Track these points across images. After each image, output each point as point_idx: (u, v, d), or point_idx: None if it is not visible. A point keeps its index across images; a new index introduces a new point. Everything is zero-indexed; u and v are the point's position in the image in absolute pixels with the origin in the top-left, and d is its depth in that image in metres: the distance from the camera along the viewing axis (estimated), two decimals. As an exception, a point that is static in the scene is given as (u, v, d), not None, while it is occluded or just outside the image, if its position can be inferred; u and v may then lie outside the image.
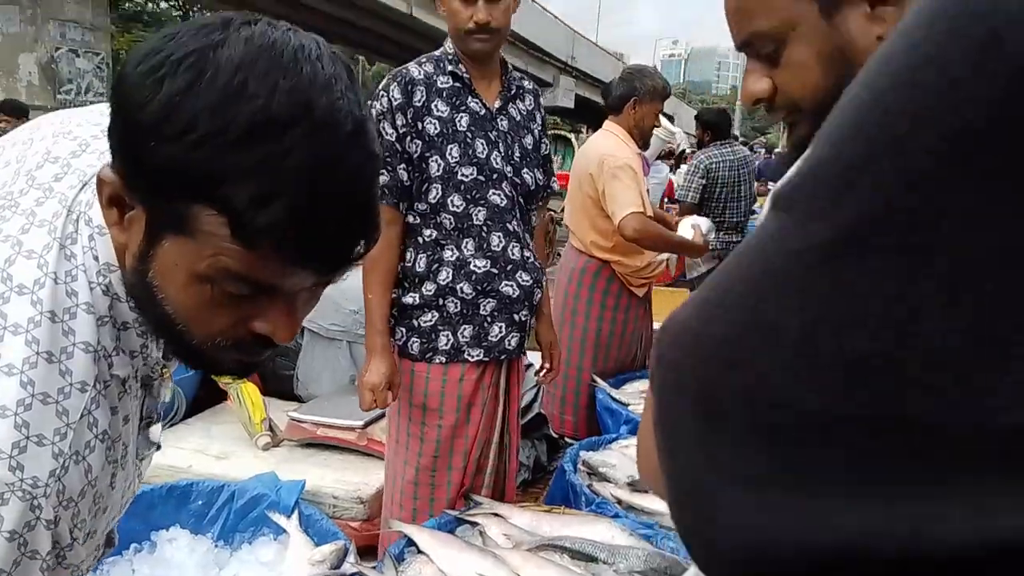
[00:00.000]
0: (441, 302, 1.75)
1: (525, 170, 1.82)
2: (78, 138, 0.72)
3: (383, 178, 1.67)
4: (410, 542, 1.76)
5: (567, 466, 2.18)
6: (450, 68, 1.74)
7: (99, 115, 0.75)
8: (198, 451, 2.36)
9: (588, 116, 28.09)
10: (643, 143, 2.96)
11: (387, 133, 1.67)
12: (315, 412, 2.48)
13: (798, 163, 0.29)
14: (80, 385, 0.61)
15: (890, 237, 0.25)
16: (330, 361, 2.83)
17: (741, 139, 12.16)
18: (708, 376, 0.29)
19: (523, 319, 1.83)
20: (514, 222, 1.78)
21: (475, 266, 1.74)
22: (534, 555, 1.65)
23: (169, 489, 2.07)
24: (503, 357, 1.83)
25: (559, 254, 8.54)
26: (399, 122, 1.68)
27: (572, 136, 14.80)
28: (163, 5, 26.36)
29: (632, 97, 2.83)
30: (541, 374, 2.05)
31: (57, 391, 0.59)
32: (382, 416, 2.45)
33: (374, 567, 1.71)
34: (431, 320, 1.76)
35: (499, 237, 1.75)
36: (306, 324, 2.85)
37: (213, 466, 2.30)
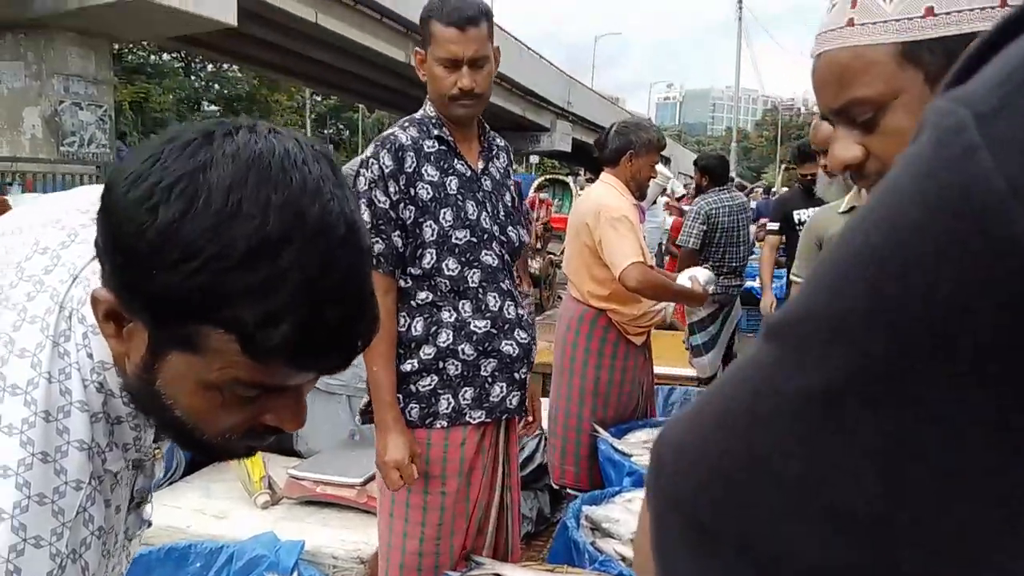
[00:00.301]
0: (441, 365, 1.71)
1: (510, 228, 1.83)
2: (66, 227, 0.71)
3: (378, 247, 1.67)
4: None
5: (570, 522, 2.15)
6: (435, 132, 1.74)
7: (87, 202, 0.74)
8: (197, 510, 2.33)
9: (585, 159, 28.39)
10: (640, 194, 3.00)
11: (380, 201, 1.66)
12: (314, 469, 2.46)
13: (796, 295, 0.30)
14: (75, 483, 0.61)
15: (879, 396, 0.25)
16: (330, 416, 2.81)
17: (737, 180, 12.31)
18: (702, 509, 0.29)
19: (523, 377, 1.82)
20: (507, 281, 1.79)
21: (475, 326, 1.72)
22: (538, 618, 1.62)
23: (168, 551, 2.04)
24: (504, 417, 1.81)
25: (559, 297, 8.60)
26: (391, 189, 1.66)
27: (569, 179, 14.91)
28: (165, 57, 26.82)
29: (628, 150, 2.88)
30: (521, 425, 2.00)
31: (52, 491, 0.59)
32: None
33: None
34: (430, 384, 1.72)
35: (494, 297, 1.75)
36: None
37: (212, 526, 2.27)
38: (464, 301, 1.73)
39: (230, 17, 11.17)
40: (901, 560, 0.24)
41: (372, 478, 2.38)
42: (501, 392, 1.77)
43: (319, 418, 2.83)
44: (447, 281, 1.71)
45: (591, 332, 2.97)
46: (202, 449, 0.67)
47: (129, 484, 0.73)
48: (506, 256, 1.81)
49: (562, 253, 3.46)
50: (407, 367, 1.71)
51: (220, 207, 0.53)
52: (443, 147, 1.74)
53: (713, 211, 4.16)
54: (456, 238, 1.70)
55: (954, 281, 0.24)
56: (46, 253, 0.68)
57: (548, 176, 15.25)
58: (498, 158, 1.87)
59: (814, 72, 0.81)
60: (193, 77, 28.87)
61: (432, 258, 1.69)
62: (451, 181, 1.72)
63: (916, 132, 0.28)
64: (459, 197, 1.72)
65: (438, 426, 1.72)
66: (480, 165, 1.79)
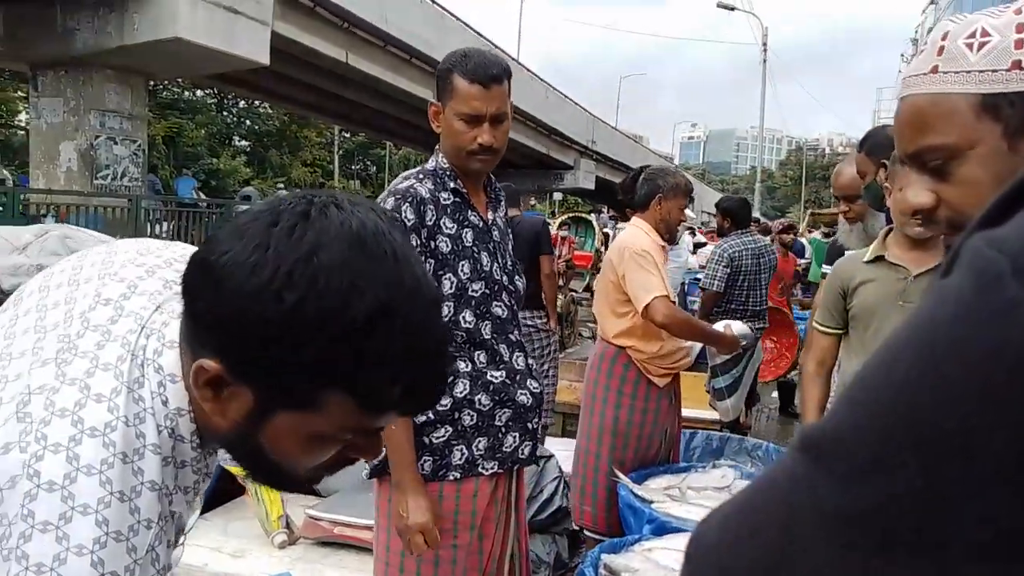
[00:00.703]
0: (456, 415, 1.68)
1: (516, 277, 1.84)
2: (125, 279, 0.75)
3: None
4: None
5: (587, 571, 2.12)
6: (451, 185, 1.74)
7: (137, 253, 0.80)
8: (214, 549, 2.34)
9: (608, 197, 28.47)
10: (669, 237, 3.03)
11: None
12: (332, 509, 2.46)
13: (832, 410, 0.31)
14: (147, 522, 0.64)
15: (907, 531, 0.26)
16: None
17: (762, 222, 12.24)
18: None
19: (535, 427, 1.81)
20: (515, 332, 1.80)
21: (492, 376, 1.72)
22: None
23: (184, 591, 2.04)
24: (516, 467, 1.79)
25: (580, 334, 8.56)
26: (414, 243, 1.64)
27: (592, 217, 14.96)
28: (199, 93, 27.47)
29: (657, 194, 2.93)
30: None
31: (128, 528, 0.62)
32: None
33: None
34: (444, 436, 1.67)
35: (505, 348, 1.75)
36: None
37: (229, 565, 2.27)
38: (479, 352, 1.72)
39: (263, 57, 11.45)
40: None
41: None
42: (514, 442, 1.75)
43: (338, 457, 2.84)
44: (463, 333, 1.70)
45: (611, 370, 2.96)
46: (288, 486, 0.76)
47: (176, 523, 0.76)
48: (514, 306, 1.81)
49: (584, 291, 3.49)
50: (420, 418, 1.66)
51: (336, 287, 0.60)
52: (458, 199, 1.74)
53: (736, 254, 4.16)
54: (472, 290, 1.70)
55: (990, 440, 0.25)
56: (108, 304, 0.72)
57: (571, 215, 15.29)
58: (501, 206, 1.88)
59: (896, 115, 0.82)
60: (225, 113, 29.50)
61: (449, 311, 1.68)
62: (467, 233, 1.72)
63: (947, 264, 0.30)
64: (475, 249, 1.72)
65: (451, 478, 1.68)
66: (489, 216, 1.80)
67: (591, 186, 26.36)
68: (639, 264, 2.76)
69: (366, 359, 0.61)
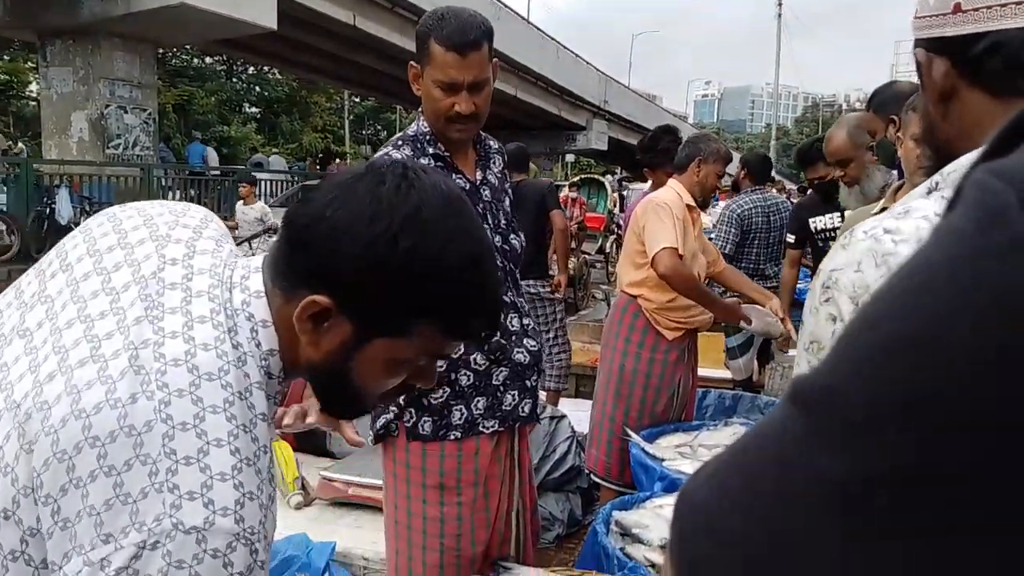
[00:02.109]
0: (453, 376, 1.68)
1: (512, 236, 1.81)
2: (181, 240, 0.83)
3: None
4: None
5: (599, 527, 2.14)
6: (431, 150, 1.69)
7: (171, 215, 0.87)
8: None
9: (621, 158, 28.22)
10: (703, 201, 3.04)
11: None
12: (346, 471, 2.49)
13: (825, 359, 0.29)
14: (263, 448, 0.73)
15: (907, 498, 0.25)
16: (363, 419, 2.84)
17: (779, 181, 12.04)
18: None
19: (533, 384, 1.81)
20: (509, 292, 1.76)
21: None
22: (564, 625, 1.61)
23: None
24: (516, 424, 1.79)
25: (594, 296, 8.54)
26: None
27: (605, 179, 14.83)
28: (207, 60, 27.32)
29: (697, 157, 2.95)
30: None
31: (253, 455, 0.71)
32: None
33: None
34: (442, 396, 1.68)
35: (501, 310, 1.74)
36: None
37: (246, 526, 2.31)
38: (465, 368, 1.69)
39: (270, 21, 11.35)
40: None
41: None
42: (513, 400, 1.75)
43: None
44: None
45: (621, 318, 2.99)
46: (357, 412, 0.90)
47: None
48: (508, 266, 1.77)
49: (596, 252, 3.50)
50: None
51: (439, 237, 0.75)
52: (439, 164, 1.69)
53: (745, 213, 4.09)
54: None
55: (992, 387, 0.23)
56: (177, 264, 0.80)
57: (583, 176, 15.14)
58: (494, 163, 1.84)
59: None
60: (235, 80, 29.34)
61: None
62: None
63: (950, 200, 0.27)
64: None
65: (451, 437, 1.68)
66: (478, 176, 1.76)
67: (603, 147, 26.11)
68: (657, 215, 2.79)
69: (456, 295, 0.76)
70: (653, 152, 3.70)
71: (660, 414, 2.99)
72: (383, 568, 2.16)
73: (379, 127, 35.22)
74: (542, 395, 1.89)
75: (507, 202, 1.84)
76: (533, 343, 1.81)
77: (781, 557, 0.27)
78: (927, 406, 0.24)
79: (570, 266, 8.42)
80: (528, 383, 1.78)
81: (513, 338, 1.76)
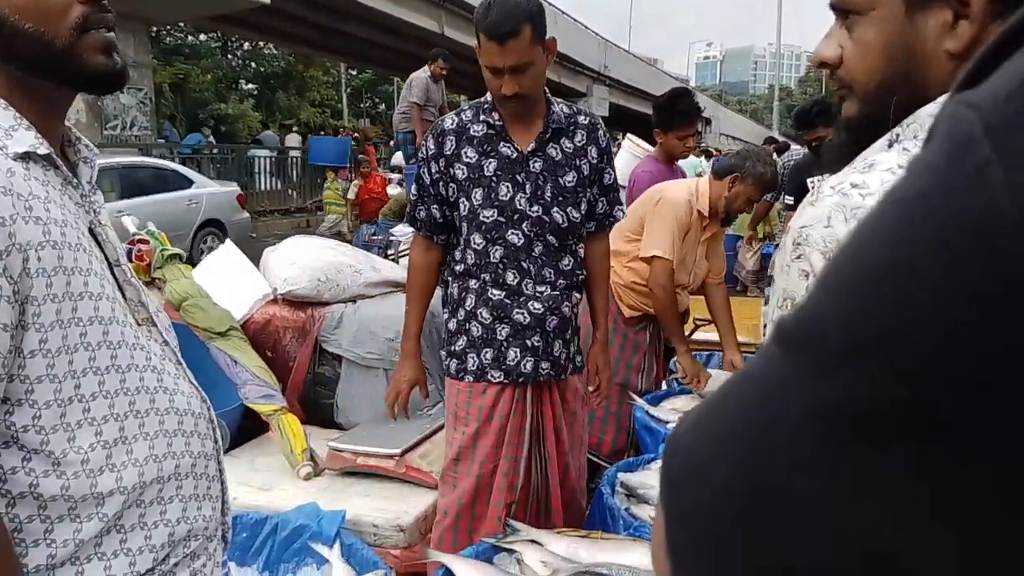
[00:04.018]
0: (467, 326, 1.95)
1: (556, 209, 1.90)
2: None
3: (421, 213, 1.94)
4: (449, 571, 1.77)
5: (604, 489, 2.17)
6: (483, 118, 1.89)
7: None
8: (242, 483, 2.40)
9: (623, 123, 27.97)
10: (725, 218, 2.91)
11: (424, 177, 1.91)
12: (354, 441, 2.51)
13: (806, 297, 0.29)
14: None
15: (884, 424, 0.25)
16: (367, 389, 2.86)
17: (782, 141, 11.86)
18: (715, 529, 0.29)
19: (536, 344, 1.93)
20: (528, 260, 1.89)
21: (491, 294, 1.90)
22: (571, 584, 1.64)
23: (214, 523, 2.11)
24: (520, 380, 1.95)
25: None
26: (433, 168, 1.89)
27: (607, 145, 14.70)
28: (202, 37, 27.05)
29: (736, 172, 2.79)
30: (591, 394, 2.15)
31: None
32: (419, 443, 2.47)
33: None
34: (462, 344, 1.97)
35: (513, 274, 1.89)
36: (343, 353, 2.89)
37: (257, 498, 2.34)
38: (485, 273, 1.90)
39: (263, -6, 11.23)
40: None
41: (410, 448, 2.43)
42: (516, 357, 1.93)
43: (357, 391, 2.89)
44: (473, 253, 1.90)
45: None
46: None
47: (78, 213, 0.92)
48: (545, 236, 1.89)
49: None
50: (451, 326, 2.00)
51: None
52: (491, 131, 1.88)
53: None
54: (484, 216, 1.85)
55: (965, 312, 0.24)
56: None
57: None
58: (570, 136, 1.92)
59: None
60: (230, 56, 29.08)
61: (465, 231, 1.89)
62: (489, 163, 1.85)
63: (929, 134, 0.27)
64: (494, 179, 1.85)
65: (467, 379, 1.97)
66: (531, 146, 1.87)
67: (605, 113, 25.87)
68: (661, 215, 2.77)
69: None
70: (671, 113, 3.42)
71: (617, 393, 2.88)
72: (393, 534, 2.20)
73: (376, 99, 34.96)
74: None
75: (571, 176, 1.91)
76: (538, 306, 1.93)
77: (766, 503, 0.27)
78: (900, 339, 0.25)
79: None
80: (529, 343, 1.94)
81: (520, 299, 1.91)
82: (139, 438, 0.94)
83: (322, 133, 19.68)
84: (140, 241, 3.06)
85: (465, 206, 1.86)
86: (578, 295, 2.01)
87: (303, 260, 3.02)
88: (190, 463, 1.01)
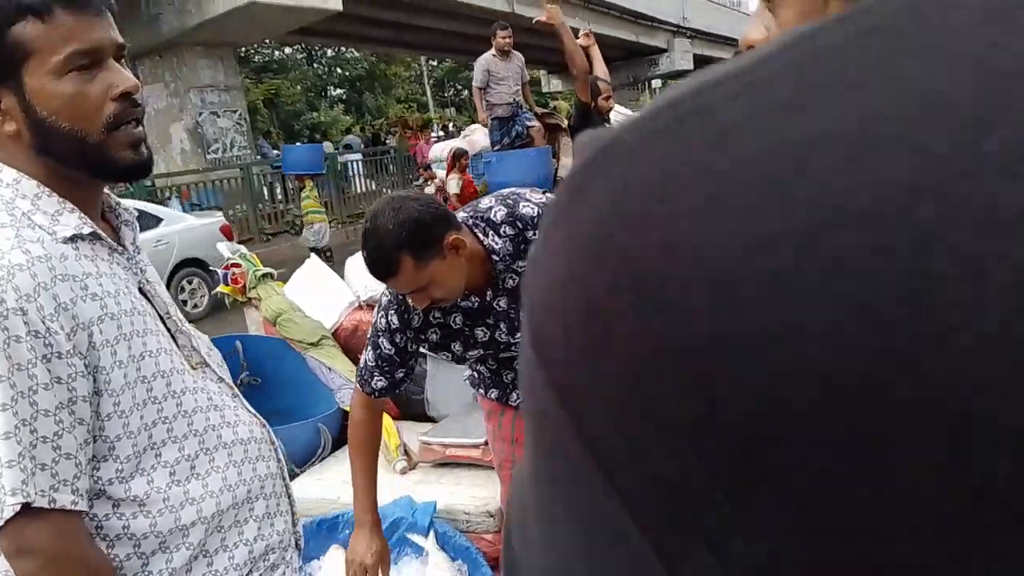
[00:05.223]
0: (478, 367, 1.90)
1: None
2: None
3: (377, 383, 1.68)
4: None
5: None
6: None
7: None
8: (344, 482, 2.55)
9: (710, 74, 26.97)
10: None
11: (386, 348, 1.66)
12: (442, 434, 2.63)
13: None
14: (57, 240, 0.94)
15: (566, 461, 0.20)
16: (454, 382, 2.97)
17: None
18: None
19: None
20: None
21: (490, 363, 1.86)
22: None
23: (319, 523, 2.28)
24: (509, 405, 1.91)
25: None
26: (398, 339, 1.65)
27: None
28: (287, 51, 28.07)
29: None
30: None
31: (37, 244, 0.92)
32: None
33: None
34: (472, 377, 1.97)
35: (507, 373, 1.88)
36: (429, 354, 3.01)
37: (359, 494, 2.50)
38: (482, 365, 1.88)
39: (335, 3, 11.55)
40: None
41: (495, 437, 2.52)
42: (519, 399, 1.82)
43: (443, 386, 3.01)
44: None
45: None
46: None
47: (127, 278, 1.01)
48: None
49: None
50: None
51: None
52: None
53: None
54: (469, 355, 1.73)
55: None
56: None
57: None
58: (512, 280, 1.67)
59: None
60: (316, 65, 30.06)
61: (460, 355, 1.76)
62: (455, 318, 1.66)
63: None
64: (466, 329, 1.67)
65: (481, 392, 1.95)
66: (489, 294, 1.65)
67: (689, 66, 25.08)
68: None
69: None
70: None
71: None
72: (484, 520, 2.30)
73: (459, 87, 35.27)
74: None
75: None
76: None
77: (524, 537, 0.25)
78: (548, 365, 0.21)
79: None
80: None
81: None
82: (211, 472, 1.03)
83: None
84: (233, 265, 3.28)
85: (447, 356, 1.76)
86: None
87: (381, 265, 3.15)
88: (259, 486, 1.11)
